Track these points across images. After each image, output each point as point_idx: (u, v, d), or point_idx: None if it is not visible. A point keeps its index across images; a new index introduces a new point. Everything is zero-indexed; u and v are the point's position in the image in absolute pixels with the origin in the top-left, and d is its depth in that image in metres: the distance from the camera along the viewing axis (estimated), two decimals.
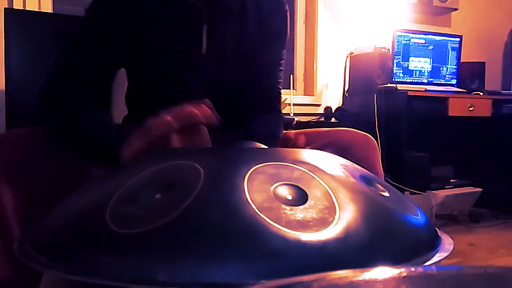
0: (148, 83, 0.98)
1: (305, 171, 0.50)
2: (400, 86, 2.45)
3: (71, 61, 0.90)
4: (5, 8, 1.54)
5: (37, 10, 1.91)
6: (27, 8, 1.87)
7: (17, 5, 1.87)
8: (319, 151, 0.62)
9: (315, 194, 0.46)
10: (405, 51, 2.73)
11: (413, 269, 0.28)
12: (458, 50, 2.90)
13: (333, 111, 2.56)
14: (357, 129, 1.03)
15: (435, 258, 0.48)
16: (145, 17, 0.91)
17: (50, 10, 1.96)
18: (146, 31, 0.92)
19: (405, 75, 2.74)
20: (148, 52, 0.94)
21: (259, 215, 0.43)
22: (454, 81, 2.90)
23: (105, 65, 0.91)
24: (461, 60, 2.92)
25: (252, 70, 1.03)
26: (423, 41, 2.79)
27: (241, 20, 0.98)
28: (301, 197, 0.46)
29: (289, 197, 0.46)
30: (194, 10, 0.93)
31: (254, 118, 1.02)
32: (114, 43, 0.90)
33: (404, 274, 0.27)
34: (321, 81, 2.74)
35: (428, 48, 2.81)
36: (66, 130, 0.83)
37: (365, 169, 0.61)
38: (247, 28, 0.99)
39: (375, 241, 0.45)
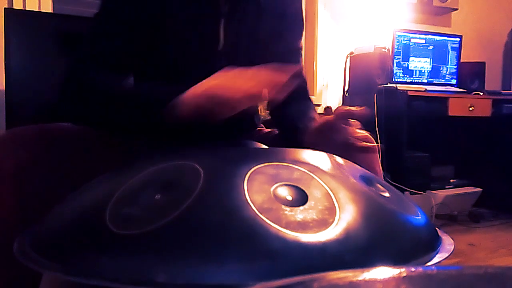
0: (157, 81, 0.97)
1: (305, 172, 0.50)
2: (400, 86, 2.44)
3: (94, 47, 0.89)
4: (5, 8, 1.54)
5: (37, 10, 1.91)
6: (27, 8, 1.87)
7: (17, 5, 1.87)
8: (318, 151, 0.62)
9: (315, 194, 0.46)
10: (405, 51, 2.73)
11: (413, 269, 0.28)
12: (458, 50, 2.90)
13: (333, 111, 2.56)
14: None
15: (436, 259, 0.48)
16: (160, 10, 0.90)
17: (50, 10, 1.96)
18: (161, 25, 0.90)
19: (405, 75, 2.74)
20: (162, 48, 0.92)
21: (259, 216, 0.43)
22: (454, 81, 2.90)
23: (127, 51, 0.89)
24: (461, 60, 2.92)
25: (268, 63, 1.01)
26: (423, 41, 2.79)
27: (257, 14, 0.97)
28: (301, 198, 0.46)
29: (289, 198, 0.46)
30: (212, 3, 0.91)
31: (283, 108, 1.00)
32: (132, 32, 0.89)
33: (404, 274, 0.27)
34: (321, 81, 2.74)
35: (428, 48, 2.81)
36: (103, 98, 0.83)
37: (364, 168, 0.61)
38: (262, 21, 0.97)
39: (375, 242, 0.45)
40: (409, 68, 2.76)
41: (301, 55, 1.09)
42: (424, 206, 2.46)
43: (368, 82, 2.50)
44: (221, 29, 0.93)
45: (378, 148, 0.86)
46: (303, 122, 0.93)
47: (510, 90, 3.20)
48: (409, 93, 2.41)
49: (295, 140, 0.91)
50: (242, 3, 0.94)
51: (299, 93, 1.03)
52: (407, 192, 2.40)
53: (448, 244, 0.52)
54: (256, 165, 0.49)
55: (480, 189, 2.79)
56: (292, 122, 0.96)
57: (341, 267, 0.40)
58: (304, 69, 1.10)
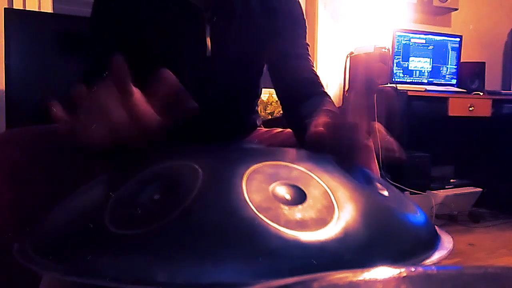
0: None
1: (303, 171, 0.50)
2: (400, 86, 2.45)
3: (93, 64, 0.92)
4: (5, 8, 1.54)
5: (37, 10, 1.91)
6: (27, 8, 1.88)
7: (17, 5, 1.87)
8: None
9: (314, 193, 0.46)
10: (405, 51, 2.73)
11: (413, 269, 0.28)
12: (458, 50, 2.90)
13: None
14: None
15: (435, 257, 0.48)
16: (143, 20, 0.90)
17: (50, 10, 1.96)
18: (145, 35, 0.91)
19: (405, 75, 2.74)
20: (149, 56, 0.92)
21: (257, 215, 0.43)
22: (454, 81, 2.90)
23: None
24: (461, 60, 2.92)
25: (268, 63, 1.00)
26: (423, 41, 2.79)
27: (245, 16, 0.95)
28: (300, 197, 0.46)
29: (288, 197, 0.46)
30: (195, 10, 0.91)
31: (293, 109, 0.96)
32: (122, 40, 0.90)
33: (404, 274, 0.27)
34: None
35: (428, 48, 2.81)
36: None
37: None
38: (253, 22, 0.96)
39: (374, 240, 0.45)
40: (409, 68, 2.76)
41: (308, 53, 1.03)
42: (424, 206, 2.46)
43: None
44: (207, 35, 0.92)
45: (379, 146, 0.85)
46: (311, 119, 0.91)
47: (510, 90, 3.20)
48: (409, 93, 2.41)
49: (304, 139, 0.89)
50: (226, 7, 0.93)
51: (310, 90, 0.98)
52: (407, 192, 2.40)
53: (447, 242, 0.52)
54: (255, 164, 0.49)
55: (480, 189, 2.79)
56: (301, 121, 0.94)
57: (340, 265, 0.40)
58: (313, 66, 1.05)
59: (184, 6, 0.91)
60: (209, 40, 0.92)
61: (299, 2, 1.05)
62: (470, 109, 2.54)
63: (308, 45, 1.05)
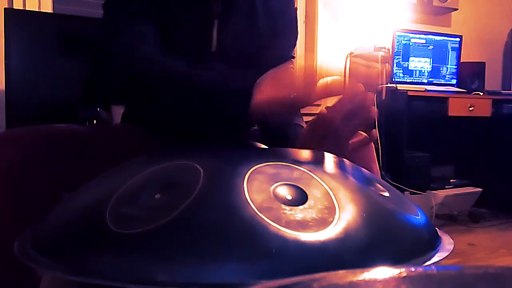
0: None
1: (305, 171, 0.50)
2: (400, 86, 2.45)
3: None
4: (5, 8, 1.54)
5: (37, 10, 1.91)
6: (27, 8, 1.88)
7: (17, 5, 1.87)
8: (318, 150, 0.62)
9: (315, 194, 0.46)
10: (405, 51, 2.73)
11: (413, 269, 0.28)
12: (458, 50, 2.90)
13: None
14: None
15: (435, 258, 0.48)
16: (153, 13, 0.90)
17: (50, 10, 1.96)
18: (155, 22, 0.90)
19: (405, 75, 2.74)
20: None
21: (258, 215, 0.43)
22: (454, 81, 2.91)
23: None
24: (461, 60, 2.92)
25: (258, 68, 1.00)
26: (423, 41, 2.79)
27: (250, 17, 0.96)
28: (301, 197, 0.46)
29: (289, 197, 0.46)
30: (205, 3, 0.91)
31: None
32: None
33: (404, 274, 0.27)
34: (321, 81, 2.74)
35: (428, 48, 2.81)
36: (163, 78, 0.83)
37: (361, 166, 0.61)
38: (256, 23, 0.96)
39: (375, 241, 0.45)
40: (409, 68, 2.76)
41: (292, 63, 1.06)
42: (424, 206, 2.46)
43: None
44: (214, 30, 0.93)
45: (379, 146, 0.85)
46: (292, 131, 0.92)
47: (510, 90, 3.20)
48: (409, 93, 2.41)
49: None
50: (235, 4, 0.94)
51: None
52: (407, 192, 2.40)
53: (447, 243, 0.52)
54: (256, 164, 0.49)
55: (480, 189, 2.79)
56: (280, 131, 0.95)
57: (341, 266, 0.40)
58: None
59: None
60: (215, 36, 0.93)
61: (296, 13, 1.06)
62: (470, 109, 2.54)
63: (293, 57, 1.06)
